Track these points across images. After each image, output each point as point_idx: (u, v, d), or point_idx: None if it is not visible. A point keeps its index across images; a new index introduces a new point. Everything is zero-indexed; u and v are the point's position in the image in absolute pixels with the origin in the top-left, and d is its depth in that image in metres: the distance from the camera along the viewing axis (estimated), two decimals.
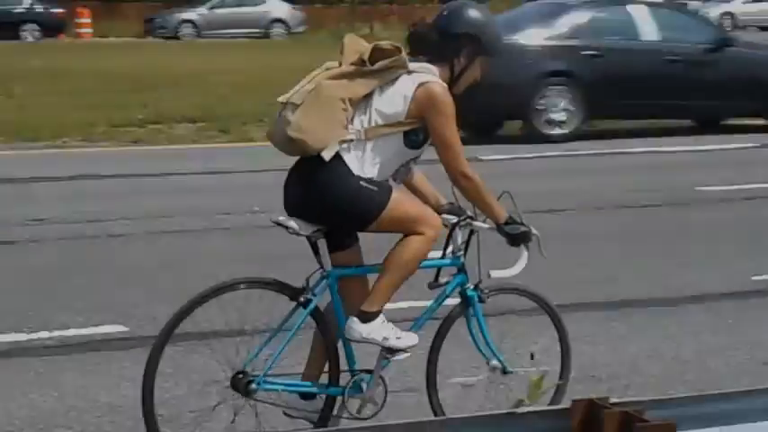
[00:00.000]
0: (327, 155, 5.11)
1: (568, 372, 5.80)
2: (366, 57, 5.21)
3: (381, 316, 5.29)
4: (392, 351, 5.33)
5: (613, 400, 3.86)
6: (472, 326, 5.57)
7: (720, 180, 13.31)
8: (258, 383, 5.22)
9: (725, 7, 50.84)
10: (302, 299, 5.28)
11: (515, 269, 5.42)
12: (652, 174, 14.11)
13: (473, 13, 5.41)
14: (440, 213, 5.47)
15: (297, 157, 5.29)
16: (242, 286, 5.29)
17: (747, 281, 8.85)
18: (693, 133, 17.86)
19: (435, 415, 5.42)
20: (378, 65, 5.19)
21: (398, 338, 5.33)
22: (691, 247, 10.12)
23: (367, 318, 5.26)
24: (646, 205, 11.99)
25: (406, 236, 5.25)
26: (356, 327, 5.25)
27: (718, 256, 9.75)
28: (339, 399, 5.40)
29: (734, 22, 49.75)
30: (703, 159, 15.41)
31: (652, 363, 7.05)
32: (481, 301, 5.58)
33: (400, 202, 5.23)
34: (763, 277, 8.88)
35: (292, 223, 5.21)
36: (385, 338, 5.31)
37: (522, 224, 5.41)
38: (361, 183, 5.16)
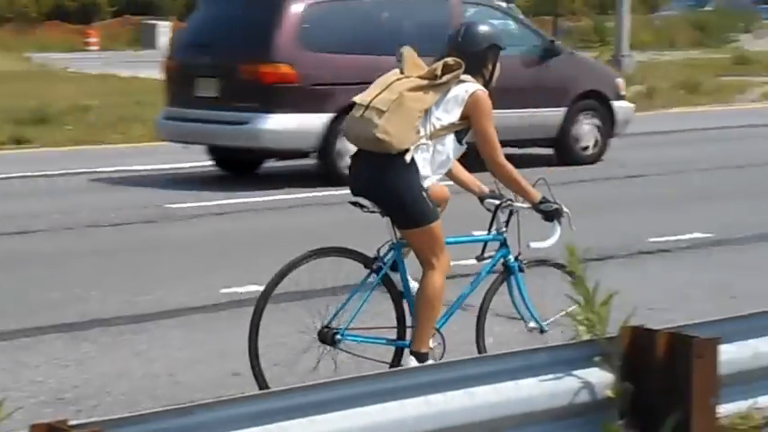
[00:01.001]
0: (408, 157, 6.25)
1: None
2: (439, 72, 6.30)
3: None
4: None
5: (73, 422, 3.85)
6: (513, 292, 6.64)
7: (191, 197, 13.51)
8: (342, 335, 6.33)
9: None
10: (375, 266, 6.41)
11: (551, 241, 6.48)
12: (122, 192, 14.07)
13: (484, 27, 6.66)
14: (483, 198, 6.66)
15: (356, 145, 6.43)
16: (330, 254, 6.44)
17: (217, 294, 9.07)
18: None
19: None
20: (445, 77, 6.32)
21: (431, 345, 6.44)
22: (162, 264, 10.27)
23: (420, 359, 6.31)
24: (117, 224, 12.01)
25: (424, 268, 6.38)
26: (412, 364, 6.19)
27: (189, 271, 9.94)
28: (406, 351, 6.43)
29: None
30: (172, 176, 15.47)
31: (122, 381, 7.06)
32: (521, 270, 6.64)
33: (440, 228, 6.41)
34: (232, 290, 9.13)
35: (368, 203, 6.37)
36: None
37: (555, 203, 6.51)
38: (423, 191, 6.32)
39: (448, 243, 6.44)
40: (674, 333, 5.01)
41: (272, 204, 13.27)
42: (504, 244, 6.66)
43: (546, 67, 15.98)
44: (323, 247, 6.49)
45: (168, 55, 15.92)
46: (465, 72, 6.40)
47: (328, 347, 6.37)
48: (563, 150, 16.15)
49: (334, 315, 6.36)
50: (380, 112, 6.25)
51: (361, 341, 6.48)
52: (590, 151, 16.25)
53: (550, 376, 4.92)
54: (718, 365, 4.99)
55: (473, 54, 6.46)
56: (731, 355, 5.24)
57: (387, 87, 6.34)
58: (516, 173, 6.48)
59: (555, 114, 15.95)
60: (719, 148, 18.06)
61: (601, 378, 5.02)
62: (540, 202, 6.51)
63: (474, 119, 6.39)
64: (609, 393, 4.99)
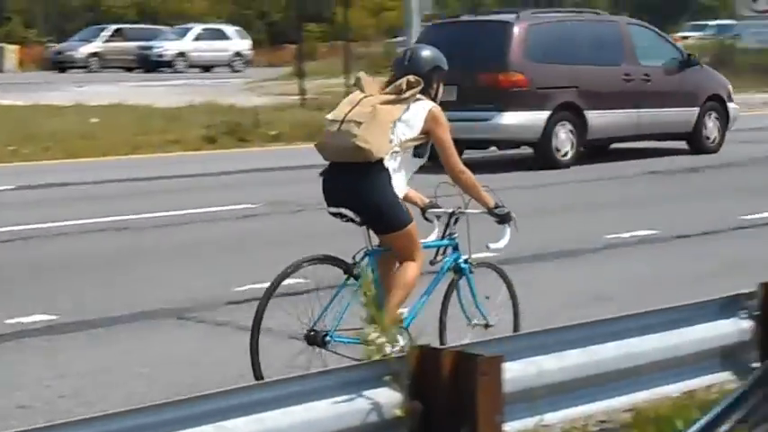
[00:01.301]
0: (386, 163, 6.88)
1: (518, 319, 7.60)
2: (404, 87, 6.96)
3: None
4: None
5: None
6: (462, 292, 7.28)
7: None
8: (331, 337, 6.82)
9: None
10: (354, 272, 6.88)
11: (504, 241, 7.23)
12: None
13: (428, 52, 7.31)
14: (427, 209, 7.25)
15: (329, 159, 7.00)
16: (316, 262, 6.98)
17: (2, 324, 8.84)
18: None
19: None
20: (409, 93, 6.97)
21: (400, 342, 6.81)
22: None
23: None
24: None
25: (400, 261, 6.98)
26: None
27: None
28: None
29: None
30: None
31: None
32: (470, 272, 7.30)
33: (416, 228, 7.00)
34: (21, 320, 8.93)
35: (349, 213, 6.87)
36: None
37: (505, 207, 7.19)
38: (397, 197, 6.92)
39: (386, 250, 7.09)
40: (459, 351, 5.08)
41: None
42: (456, 248, 7.32)
43: (683, 75, 20.08)
44: (313, 255, 7.03)
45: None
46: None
47: (318, 349, 6.88)
48: (695, 142, 20.20)
49: (319, 318, 6.89)
50: (358, 124, 6.87)
51: (348, 342, 6.82)
52: (715, 143, 20.25)
53: (341, 398, 4.97)
54: (502, 383, 5.09)
55: (421, 76, 7.11)
56: (516, 372, 5.37)
57: (357, 104, 6.99)
58: (475, 180, 7.13)
59: (691, 113, 19.96)
60: None
61: (390, 398, 5.08)
62: (495, 207, 7.22)
63: (435, 132, 7.08)
64: (398, 413, 5.05)
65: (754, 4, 34.41)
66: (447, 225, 7.28)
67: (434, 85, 7.22)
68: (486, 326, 7.37)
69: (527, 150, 18.88)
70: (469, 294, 7.31)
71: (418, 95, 7.06)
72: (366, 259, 6.95)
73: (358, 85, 7.19)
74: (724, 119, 20.37)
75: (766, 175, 17.46)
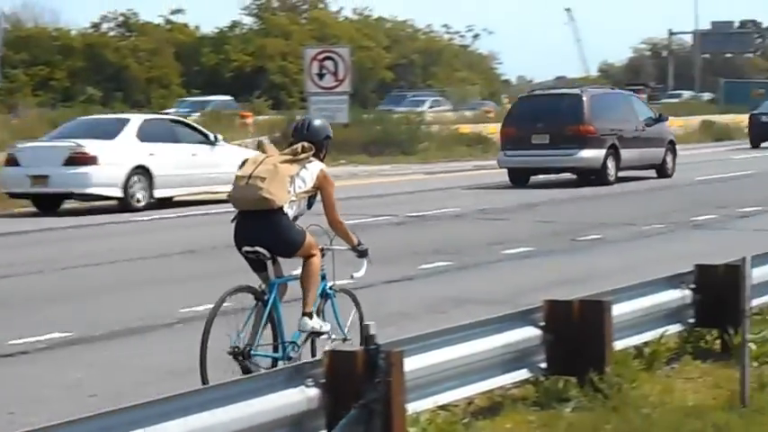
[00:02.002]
0: (286, 209, 8.65)
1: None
2: (299, 150, 8.71)
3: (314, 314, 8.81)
4: (320, 333, 8.86)
5: None
6: (327, 311, 9.02)
7: None
8: (253, 352, 8.46)
9: None
10: (264, 298, 8.66)
11: (363, 271, 9.13)
12: None
13: (321, 122, 9.16)
14: None
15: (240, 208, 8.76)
16: (242, 290, 8.68)
17: None
18: None
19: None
20: (303, 156, 8.73)
21: (323, 326, 8.89)
22: None
23: (311, 315, 8.77)
24: None
25: (305, 259, 8.77)
26: (308, 321, 8.76)
27: None
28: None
29: None
30: None
31: None
32: (334, 296, 9.07)
33: (310, 236, 8.82)
34: None
35: (262, 250, 8.62)
36: (321, 326, 8.86)
37: (364, 244, 9.04)
38: (296, 225, 8.75)
39: (286, 280, 8.90)
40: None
41: None
42: (323, 277, 9.02)
43: (656, 127, 30.59)
44: (239, 285, 8.73)
45: (504, 125, 30.21)
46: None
47: (241, 360, 8.49)
48: (661, 172, 30.40)
49: (238, 336, 8.52)
50: (263, 179, 8.59)
51: (264, 356, 8.64)
52: (672, 171, 30.76)
53: (263, 398, 6.07)
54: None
55: (315, 142, 8.88)
56: None
57: (260, 163, 8.72)
58: (347, 227, 8.98)
59: (660, 151, 30.46)
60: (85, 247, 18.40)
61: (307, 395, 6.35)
62: (357, 245, 9.03)
63: (324, 189, 8.87)
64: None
65: (320, 80, 35.65)
66: None
67: (324, 151, 9.00)
68: (345, 340, 9.01)
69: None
70: (333, 314, 9.06)
71: (311, 157, 8.81)
72: (271, 287, 8.76)
73: (261, 148, 9.09)
74: (675, 155, 31.20)
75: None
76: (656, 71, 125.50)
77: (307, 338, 8.86)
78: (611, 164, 28.45)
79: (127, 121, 24.52)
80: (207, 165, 24.02)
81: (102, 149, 22.98)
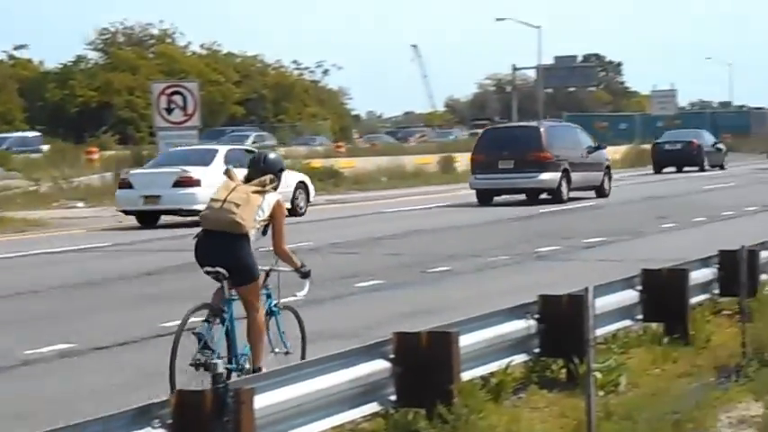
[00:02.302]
0: (251, 234, 9.52)
1: (305, 351, 10.23)
2: (267, 182, 9.64)
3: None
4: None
5: None
6: (272, 329, 9.88)
7: None
8: (216, 363, 8.63)
9: None
10: (222, 315, 9.47)
11: (305, 291, 10.05)
12: None
13: (275, 156, 10.17)
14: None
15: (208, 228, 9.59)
16: (204, 308, 9.52)
17: None
18: None
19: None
20: (269, 187, 9.66)
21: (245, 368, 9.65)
22: None
23: (258, 371, 9.22)
24: None
25: (250, 311, 9.60)
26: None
27: None
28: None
29: None
30: None
31: None
32: (278, 313, 10.01)
33: (259, 281, 9.72)
34: None
35: (221, 269, 9.41)
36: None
37: (306, 266, 9.96)
38: (253, 257, 9.54)
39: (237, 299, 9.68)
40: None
41: None
42: (269, 296, 9.93)
43: (595, 154, 35.74)
44: (202, 302, 9.58)
45: (474, 152, 35.17)
46: None
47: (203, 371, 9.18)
48: (600, 192, 35.48)
49: (198, 351, 9.28)
50: (237, 205, 9.50)
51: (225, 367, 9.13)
52: (607, 192, 35.99)
53: None
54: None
55: (273, 173, 9.81)
56: None
57: (233, 190, 9.61)
58: (290, 252, 9.86)
59: (599, 174, 35.59)
60: None
61: None
62: (301, 267, 9.93)
63: (276, 218, 9.72)
64: None
65: (169, 115, 35.39)
66: (264, 279, 9.83)
67: (278, 182, 9.84)
68: (287, 353, 9.93)
69: None
70: (276, 330, 9.98)
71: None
72: (227, 306, 9.60)
73: (228, 174, 9.86)
74: (610, 178, 36.57)
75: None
76: (500, 106, 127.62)
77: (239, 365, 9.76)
78: (564, 184, 33.83)
79: (216, 151, 30.27)
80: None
81: (203, 174, 28.05)
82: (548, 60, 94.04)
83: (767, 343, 10.34)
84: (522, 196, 34.02)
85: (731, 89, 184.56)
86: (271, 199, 9.69)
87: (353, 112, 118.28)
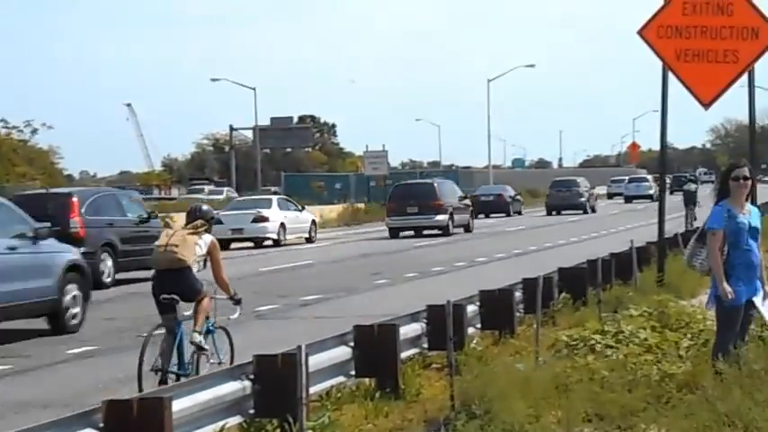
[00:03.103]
0: (192, 267, 12.59)
1: (233, 361, 12.66)
2: (199, 226, 12.78)
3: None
4: (203, 349, 12.61)
5: None
6: (209, 342, 12.87)
7: None
8: (169, 370, 12.25)
9: None
10: (174, 333, 12.52)
11: (237, 314, 13.35)
12: None
13: (206, 207, 13.35)
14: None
15: (160, 268, 12.76)
16: (162, 326, 12.58)
17: None
18: None
19: None
20: (201, 230, 12.76)
21: (205, 344, 12.69)
22: None
23: (199, 333, 12.55)
24: None
25: (198, 300, 12.74)
26: (196, 335, 12.51)
27: None
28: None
29: None
30: None
31: None
32: (214, 331, 13.02)
33: (205, 287, 12.77)
34: None
35: (175, 296, 12.41)
36: (203, 343, 12.64)
37: (238, 294, 13.21)
38: (197, 279, 12.62)
39: (185, 320, 12.58)
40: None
41: None
42: (207, 318, 12.73)
43: (464, 200, 49.71)
44: (161, 323, 12.58)
45: (389, 201, 48.61)
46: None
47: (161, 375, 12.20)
48: (467, 228, 48.32)
49: (156, 360, 12.26)
50: (177, 246, 12.53)
51: (173, 372, 12.40)
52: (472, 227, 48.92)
53: None
54: None
55: (206, 220, 12.94)
56: None
57: (173, 235, 12.74)
58: (228, 282, 12.93)
59: (467, 216, 49.19)
60: None
61: None
62: (234, 295, 13.07)
63: (213, 254, 12.85)
64: None
65: None
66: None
67: (211, 226, 12.96)
68: (220, 363, 12.63)
69: None
70: (213, 344, 12.89)
71: (204, 232, 12.81)
72: (179, 324, 12.59)
73: (167, 225, 15.25)
74: (473, 217, 50.58)
75: None
76: (219, 165, 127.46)
77: (194, 353, 12.56)
78: (450, 223, 46.38)
79: (271, 199, 46.24)
80: (300, 220, 45.62)
81: (269, 213, 43.48)
82: (264, 121, 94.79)
83: (474, 396, 10.65)
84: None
85: (440, 149, 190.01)
86: (206, 238, 12.84)
87: (66, 172, 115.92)
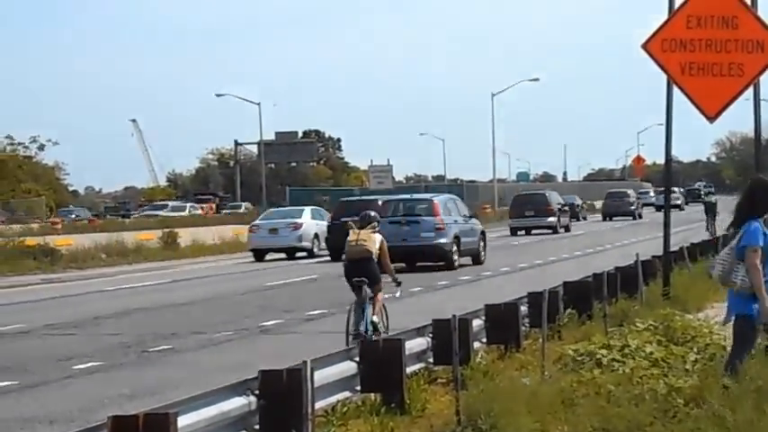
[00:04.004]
0: (374, 257, 16.70)
1: (387, 329, 17.00)
2: (376, 226, 17.03)
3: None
4: (376, 329, 16.51)
5: None
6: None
7: None
8: (366, 331, 16.55)
9: None
10: (363, 306, 16.66)
11: (398, 294, 18.31)
12: None
13: (374, 213, 17.50)
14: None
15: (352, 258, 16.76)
16: (356, 302, 16.75)
17: None
18: None
19: None
20: (377, 230, 17.06)
21: (380, 324, 16.83)
22: None
23: (375, 316, 16.85)
24: None
25: (376, 293, 16.83)
26: (375, 318, 16.67)
27: None
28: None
29: None
30: None
31: None
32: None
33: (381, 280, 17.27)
34: None
35: (364, 279, 16.43)
36: (379, 324, 16.75)
37: (398, 279, 17.37)
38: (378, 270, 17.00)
39: (369, 297, 16.81)
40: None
41: None
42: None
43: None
44: (355, 301, 16.53)
45: (510, 208, 63.36)
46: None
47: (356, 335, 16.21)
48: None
49: (356, 323, 16.41)
50: (365, 241, 16.49)
51: (370, 331, 16.51)
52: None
53: None
54: None
55: (377, 223, 16.95)
56: None
57: (359, 234, 16.57)
58: (392, 269, 17.04)
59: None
60: None
61: None
62: (396, 279, 17.13)
63: (382, 248, 16.63)
64: None
65: None
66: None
67: (379, 226, 17.06)
68: (386, 331, 16.49)
69: None
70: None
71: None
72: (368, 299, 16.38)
73: (349, 227, 16.92)
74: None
75: None
76: (224, 180, 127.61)
77: (373, 328, 16.34)
78: (558, 223, 59.44)
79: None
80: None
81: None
82: (269, 136, 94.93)
83: (480, 411, 10.63)
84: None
85: (444, 163, 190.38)
86: (376, 237, 16.75)
87: (71, 188, 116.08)
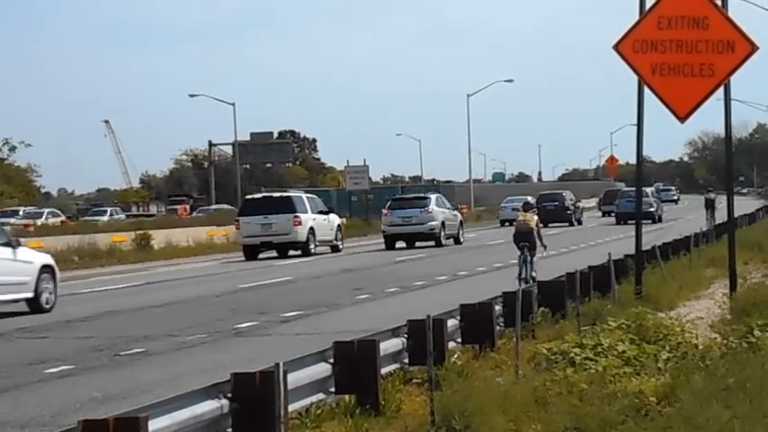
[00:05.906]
0: (534, 231, 26.72)
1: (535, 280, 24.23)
2: (535, 210, 28.28)
3: None
4: (534, 279, 24.47)
5: None
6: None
7: None
8: (530, 277, 26.43)
9: None
10: (526, 260, 26.68)
11: (544, 253, 27.99)
12: None
13: (531, 198, 34.60)
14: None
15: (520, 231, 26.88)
16: (521, 258, 26.81)
17: None
18: None
19: None
20: (535, 212, 27.86)
21: (535, 275, 26.23)
22: None
23: (534, 271, 27.04)
24: None
25: (533, 253, 27.27)
26: (534, 273, 26.29)
27: None
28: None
29: None
30: None
31: None
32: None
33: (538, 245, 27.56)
34: None
35: (527, 244, 26.43)
36: (535, 274, 26.24)
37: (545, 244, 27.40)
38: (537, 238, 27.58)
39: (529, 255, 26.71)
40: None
41: None
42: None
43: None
44: (520, 255, 26.81)
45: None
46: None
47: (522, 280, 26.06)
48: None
49: (521, 273, 26.25)
50: (529, 221, 26.55)
51: (525, 279, 26.15)
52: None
53: None
54: None
55: (535, 207, 28.54)
56: None
57: (525, 214, 26.79)
58: (542, 237, 27.00)
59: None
60: None
61: None
62: (543, 243, 27.17)
63: (537, 226, 26.68)
64: None
65: None
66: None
67: (537, 210, 29.05)
68: (534, 279, 23.49)
69: None
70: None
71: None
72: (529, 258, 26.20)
73: (521, 210, 27.50)
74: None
75: None
76: (198, 181, 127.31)
77: (533, 278, 23.70)
78: (573, 217, 71.74)
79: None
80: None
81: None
82: (244, 136, 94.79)
83: (455, 411, 10.64)
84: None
85: (421, 164, 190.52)
86: (535, 218, 26.34)
87: (44, 190, 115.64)
